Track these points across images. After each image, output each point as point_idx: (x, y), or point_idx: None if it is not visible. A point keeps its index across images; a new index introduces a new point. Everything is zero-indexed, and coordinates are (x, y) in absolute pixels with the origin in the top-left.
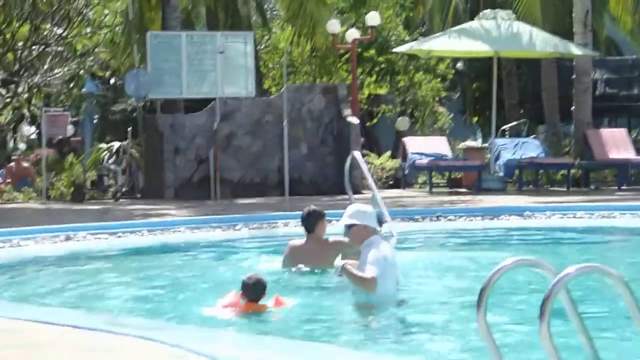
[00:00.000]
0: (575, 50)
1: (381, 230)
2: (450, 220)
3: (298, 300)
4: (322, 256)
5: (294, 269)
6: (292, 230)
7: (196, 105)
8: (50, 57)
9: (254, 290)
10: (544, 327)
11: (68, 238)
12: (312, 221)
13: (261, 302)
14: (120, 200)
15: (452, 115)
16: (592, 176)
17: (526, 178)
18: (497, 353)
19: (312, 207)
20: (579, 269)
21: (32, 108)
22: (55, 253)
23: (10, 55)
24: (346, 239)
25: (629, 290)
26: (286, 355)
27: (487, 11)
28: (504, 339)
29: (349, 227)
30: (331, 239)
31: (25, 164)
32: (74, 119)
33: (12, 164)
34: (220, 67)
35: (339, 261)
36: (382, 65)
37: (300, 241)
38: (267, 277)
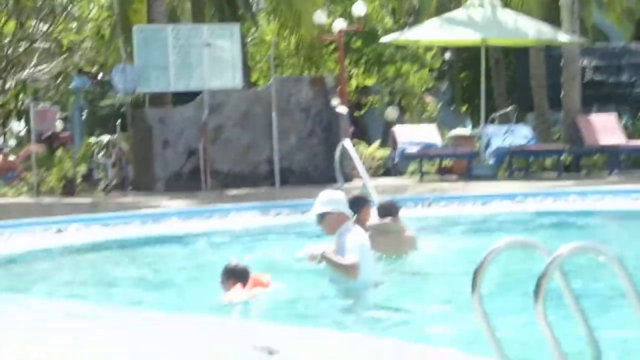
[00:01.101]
0: (562, 37)
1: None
2: (441, 207)
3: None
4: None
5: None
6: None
7: (184, 98)
8: (37, 53)
9: (241, 274)
10: (539, 307)
11: (59, 230)
12: (356, 208)
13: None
14: (111, 193)
15: (440, 104)
16: (582, 162)
17: (516, 165)
18: (493, 334)
19: (357, 193)
20: (573, 248)
21: (19, 104)
22: (47, 245)
23: None
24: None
25: (624, 269)
26: (275, 338)
27: None
28: (498, 320)
29: (323, 215)
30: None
31: (10, 158)
32: (62, 115)
33: None
34: (207, 59)
35: (315, 249)
36: (369, 56)
37: None
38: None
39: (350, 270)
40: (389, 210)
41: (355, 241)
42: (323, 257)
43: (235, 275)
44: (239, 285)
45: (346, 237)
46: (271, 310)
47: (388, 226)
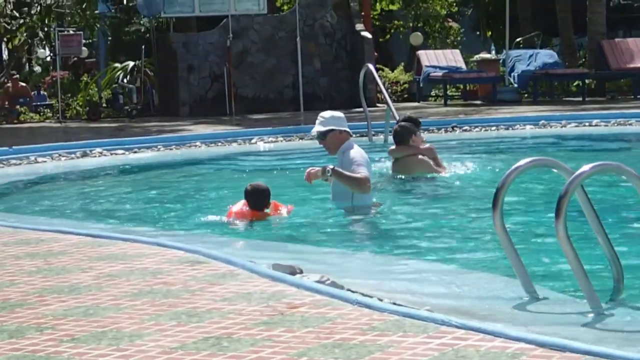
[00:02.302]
0: None
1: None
2: (465, 130)
3: (294, 206)
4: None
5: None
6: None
7: (209, 24)
8: None
9: (258, 198)
10: (560, 226)
11: (84, 154)
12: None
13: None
14: (136, 118)
15: (464, 30)
16: (607, 86)
17: (541, 89)
18: (514, 252)
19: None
20: (595, 166)
21: (45, 29)
22: (72, 169)
23: None
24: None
25: None
26: (296, 258)
27: None
28: (516, 238)
29: (325, 133)
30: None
31: (22, 84)
32: (88, 41)
33: (9, 84)
34: None
35: (319, 167)
36: None
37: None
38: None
39: (362, 183)
40: (398, 136)
41: (363, 156)
42: (334, 172)
43: (254, 197)
44: (242, 203)
45: (351, 153)
46: (285, 230)
47: (394, 153)
